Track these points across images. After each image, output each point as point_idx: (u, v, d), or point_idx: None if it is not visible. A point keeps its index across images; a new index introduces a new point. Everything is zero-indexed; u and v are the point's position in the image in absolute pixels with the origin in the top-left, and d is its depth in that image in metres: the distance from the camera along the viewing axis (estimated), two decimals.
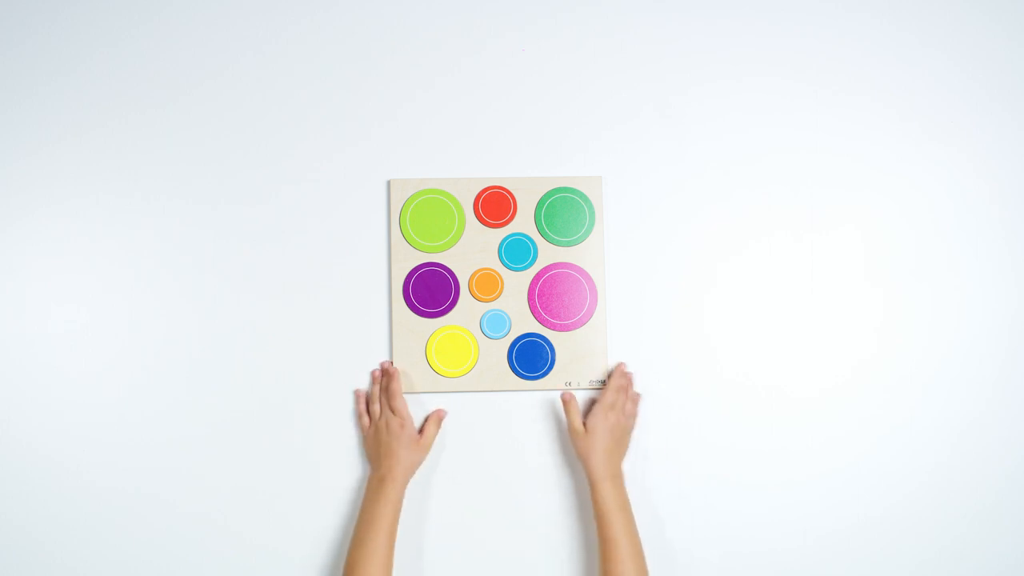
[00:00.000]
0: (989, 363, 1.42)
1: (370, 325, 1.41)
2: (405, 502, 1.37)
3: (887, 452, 1.41)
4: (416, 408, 1.40)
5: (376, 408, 1.38)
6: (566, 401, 1.37)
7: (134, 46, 1.43)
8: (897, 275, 1.43)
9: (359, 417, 1.40)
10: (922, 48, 1.45)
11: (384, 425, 1.36)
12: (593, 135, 1.43)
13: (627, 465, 1.39)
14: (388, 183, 1.41)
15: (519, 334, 1.41)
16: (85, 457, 1.39)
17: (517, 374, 1.40)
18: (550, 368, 1.40)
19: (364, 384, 1.41)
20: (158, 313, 1.41)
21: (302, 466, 1.40)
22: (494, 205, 1.41)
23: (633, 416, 1.38)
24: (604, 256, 1.41)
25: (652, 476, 1.41)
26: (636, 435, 1.40)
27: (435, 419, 1.38)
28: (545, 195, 1.41)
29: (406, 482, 1.33)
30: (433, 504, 1.40)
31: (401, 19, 1.44)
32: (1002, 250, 1.43)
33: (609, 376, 1.39)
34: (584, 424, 1.35)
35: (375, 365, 1.41)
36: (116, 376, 1.40)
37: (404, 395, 1.38)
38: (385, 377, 1.39)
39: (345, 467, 1.40)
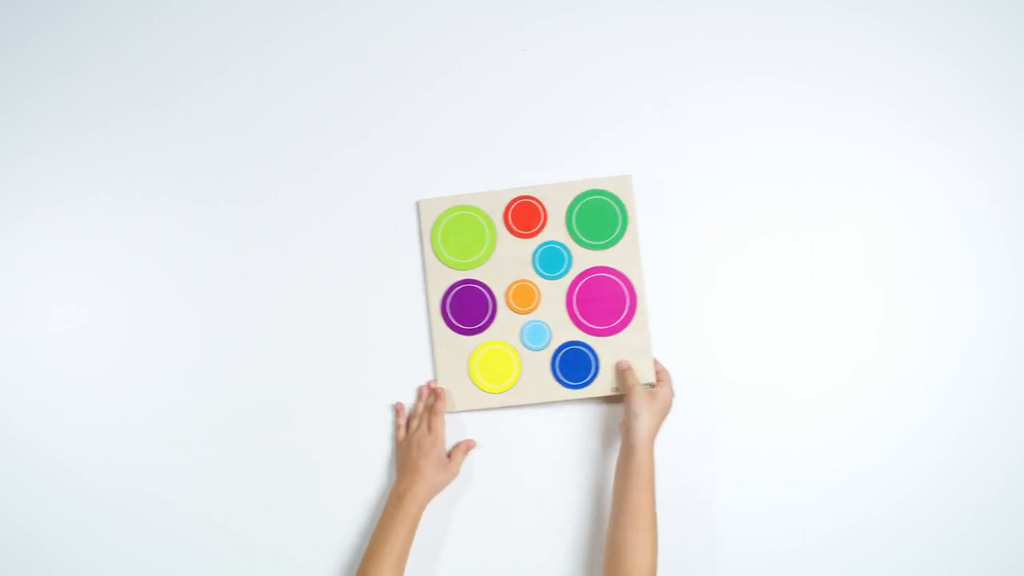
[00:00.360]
0: (989, 363, 1.42)
1: (371, 334, 1.41)
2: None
3: (887, 452, 1.41)
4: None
5: (414, 424, 1.39)
6: (626, 368, 1.36)
7: (134, 46, 1.43)
8: (897, 275, 1.43)
9: (396, 430, 1.40)
10: (922, 48, 1.45)
11: (417, 441, 1.36)
12: (594, 136, 1.43)
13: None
14: (417, 204, 1.41)
15: (560, 343, 1.39)
16: (85, 457, 1.39)
17: (561, 384, 1.39)
18: (595, 375, 1.39)
19: (374, 394, 1.41)
20: (158, 313, 1.41)
21: (302, 466, 1.40)
22: (524, 215, 1.40)
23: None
24: (640, 256, 1.39)
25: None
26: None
27: (463, 448, 1.39)
28: (575, 200, 1.40)
29: (426, 501, 1.33)
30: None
31: (404, 20, 1.44)
32: (1002, 250, 1.43)
33: (658, 368, 1.38)
34: (664, 397, 1.34)
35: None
36: (116, 376, 1.40)
37: (444, 416, 1.39)
38: (432, 396, 1.39)
39: (345, 468, 1.40)
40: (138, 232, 1.42)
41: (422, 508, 1.32)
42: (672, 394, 1.35)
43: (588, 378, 1.39)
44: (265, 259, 1.41)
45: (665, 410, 1.33)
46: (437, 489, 1.35)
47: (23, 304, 1.41)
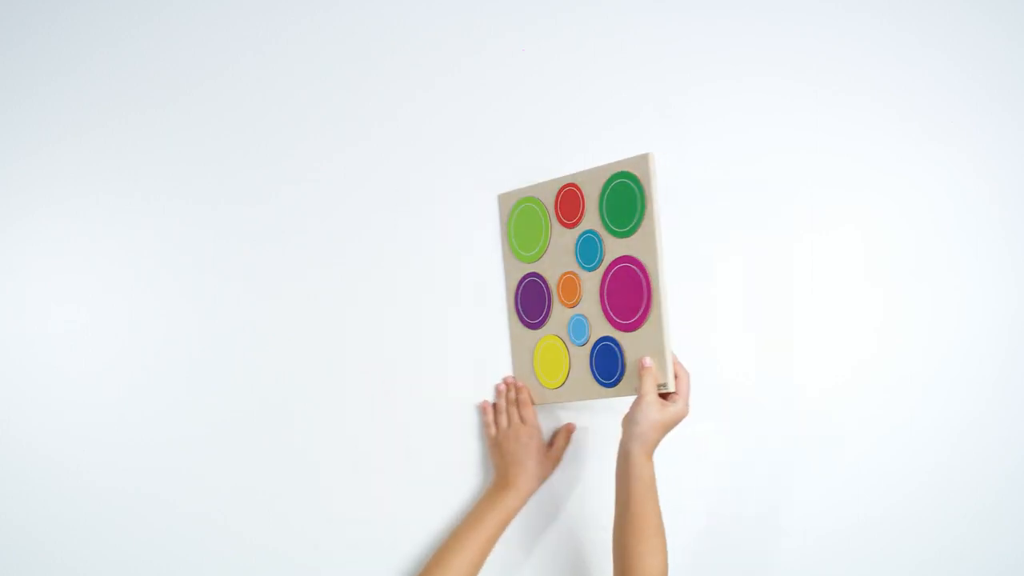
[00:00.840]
0: (989, 363, 1.42)
1: (366, 334, 1.41)
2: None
3: (887, 452, 1.41)
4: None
5: (505, 420, 1.38)
6: (646, 368, 1.26)
7: (134, 46, 1.43)
8: (897, 275, 1.43)
9: (486, 428, 1.39)
10: (922, 48, 1.45)
11: (514, 435, 1.35)
12: (593, 136, 1.44)
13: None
14: (498, 197, 1.42)
15: (597, 338, 1.34)
16: (85, 457, 1.39)
17: (599, 382, 1.34)
18: (621, 374, 1.31)
19: (373, 393, 1.41)
20: (158, 313, 1.41)
21: (302, 466, 1.40)
22: (569, 204, 1.36)
23: None
24: (656, 243, 1.27)
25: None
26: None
27: (565, 432, 1.38)
28: (604, 185, 1.31)
29: (529, 495, 1.32)
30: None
31: (404, 20, 1.44)
32: (1002, 250, 1.43)
33: (679, 373, 1.28)
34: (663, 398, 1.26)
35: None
36: (116, 376, 1.40)
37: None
38: (512, 390, 1.39)
39: (345, 467, 1.40)
40: (138, 232, 1.42)
41: (523, 502, 1.32)
42: (686, 411, 1.26)
43: (616, 377, 1.31)
44: (265, 259, 1.41)
45: (669, 427, 1.25)
46: (541, 480, 1.34)
47: (23, 304, 1.40)
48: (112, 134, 1.42)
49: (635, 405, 1.25)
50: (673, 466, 1.41)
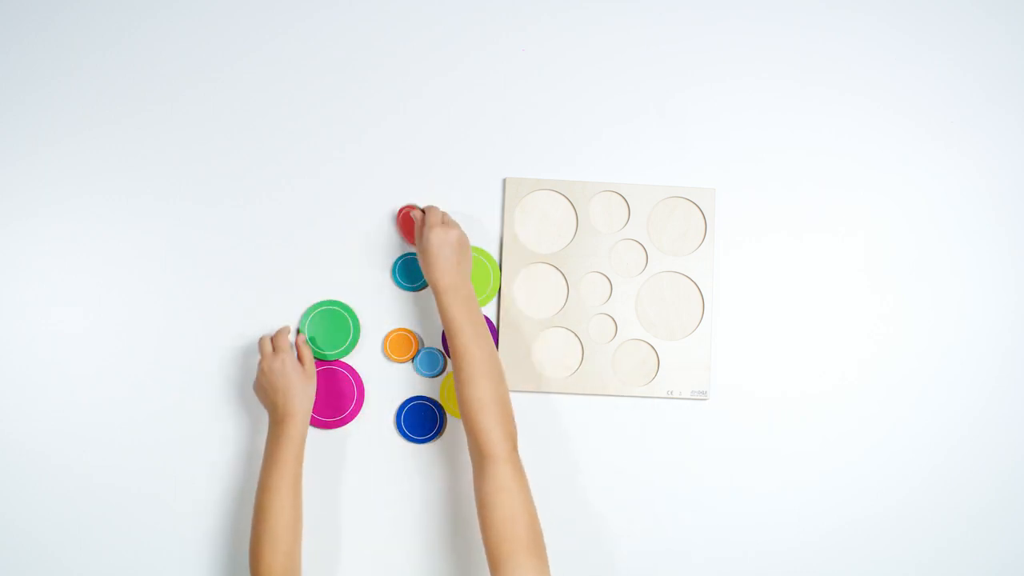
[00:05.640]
0: (989, 363, 1.42)
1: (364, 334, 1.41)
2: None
3: (887, 452, 1.41)
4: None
5: (265, 364, 1.32)
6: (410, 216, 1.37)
7: (134, 46, 1.43)
8: (898, 275, 1.43)
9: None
10: (922, 48, 1.45)
11: (279, 369, 1.31)
12: (595, 135, 1.44)
13: (627, 465, 1.40)
14: (505, 181, 1.41)
15: (623, 340, 1.40)
16: (85, 457, 1.39)
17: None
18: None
19: (375, 390, 1.41)
20: (158, 313, 1.41)
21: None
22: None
23: (457, 228, 1.33)
24: (714, 265, 1.41)
25: (652, 479, 1.40)
26: (638, 437, 1.40)
27: (299, 343, 1.35)
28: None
29: (308, 415, 1.31)
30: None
31: (405, 21, 1.44)
32: (1002, 250, 1.43)
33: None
34: (425, 240, 1.30)
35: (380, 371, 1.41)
36: (116, 376, 1.40)
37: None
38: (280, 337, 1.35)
39: (346, 467, 1.40)
40: (138, 232, 1.42)
41: (307, 425, 1.30)
42: (457, 231, 1.30)
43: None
44: (266, 259, 1.41)
45: (452, 252, 1.29)
46: (312, 398, 1.32)
47: (23, 304, 1.41)
48: (112, 134, 1.42)
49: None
50: (671, 467, 1.41)
